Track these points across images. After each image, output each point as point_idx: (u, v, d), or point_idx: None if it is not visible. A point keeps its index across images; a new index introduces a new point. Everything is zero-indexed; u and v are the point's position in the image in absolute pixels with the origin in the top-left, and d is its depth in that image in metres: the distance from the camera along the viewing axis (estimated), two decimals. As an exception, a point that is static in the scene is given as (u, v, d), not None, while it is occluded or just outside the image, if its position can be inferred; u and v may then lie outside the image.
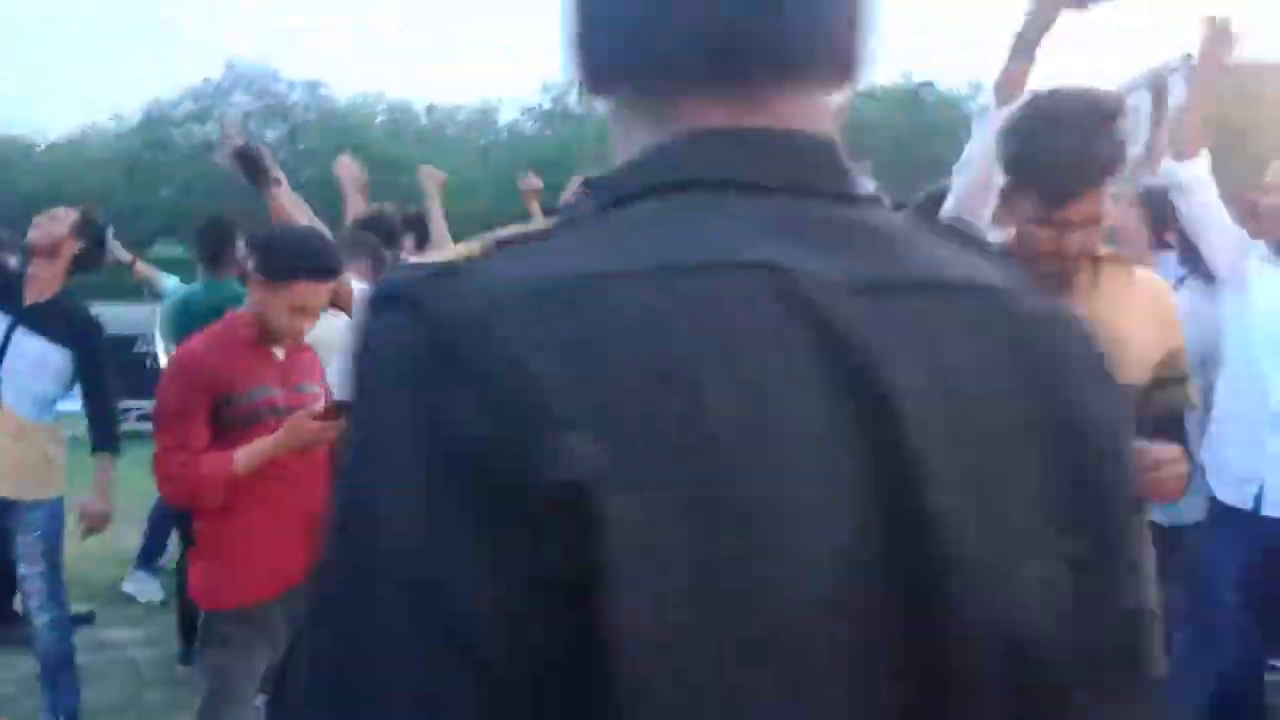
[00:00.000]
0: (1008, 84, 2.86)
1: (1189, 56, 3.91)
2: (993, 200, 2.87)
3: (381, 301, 0.75)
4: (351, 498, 0.74)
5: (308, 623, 0.75)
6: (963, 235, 0.93)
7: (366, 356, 0.75)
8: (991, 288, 0.87)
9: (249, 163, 4.02)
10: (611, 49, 0.87)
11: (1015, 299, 0.87)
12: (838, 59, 0.87)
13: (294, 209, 4.18)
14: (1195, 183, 3.61)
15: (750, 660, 0.70)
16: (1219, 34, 3.53)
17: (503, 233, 0.79)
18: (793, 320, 0.75)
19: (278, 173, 4.12)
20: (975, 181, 2.87)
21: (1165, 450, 2.27)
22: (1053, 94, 2.46)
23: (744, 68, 0.84)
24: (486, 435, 0.67)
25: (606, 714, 0.67)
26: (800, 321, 0.75)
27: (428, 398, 0.70)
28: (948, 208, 3.04)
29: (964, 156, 3.03)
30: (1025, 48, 2.84)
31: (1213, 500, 3.87)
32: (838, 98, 0.89)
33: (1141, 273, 2.73)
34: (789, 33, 0.84)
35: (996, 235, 2.52)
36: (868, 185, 0.87)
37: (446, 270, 0.75)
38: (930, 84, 37.35)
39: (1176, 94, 3.65)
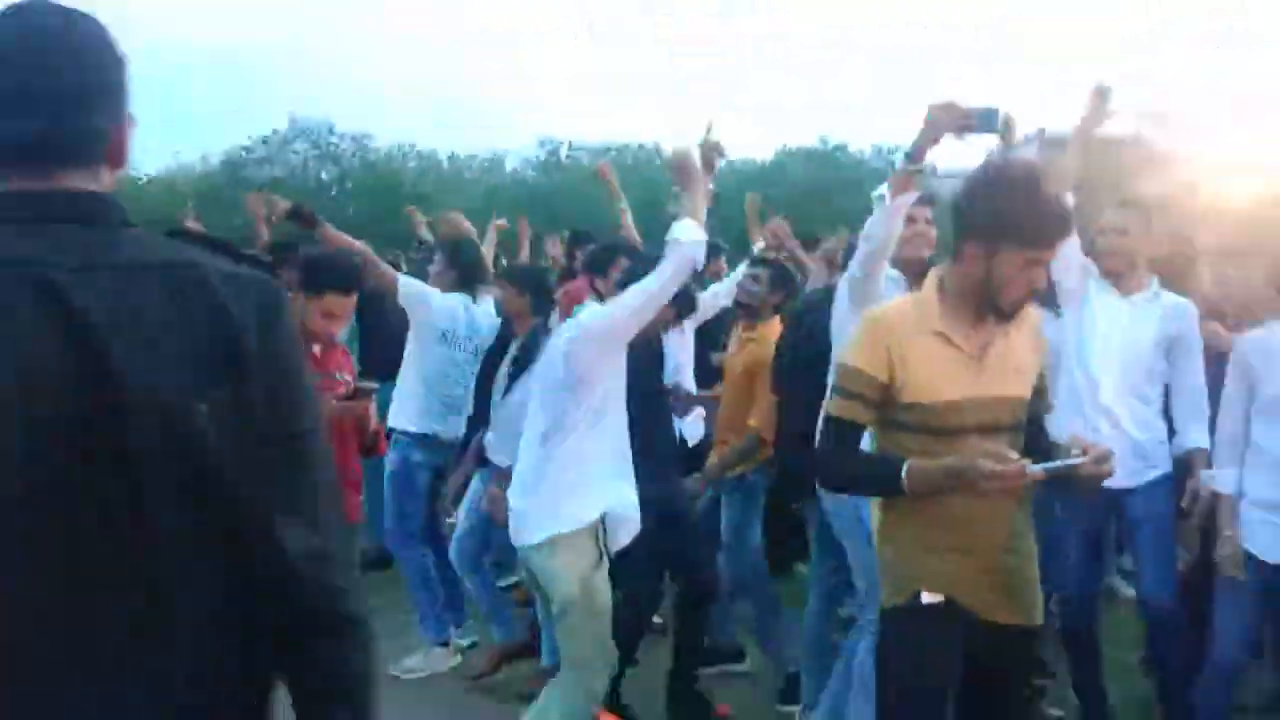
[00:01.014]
0: (901, 183, 3.32)
1: (1042, 130, 4.56)
2: (885, 259, 3.47)
3: None
4: None
5: None
6: (210, 241, 1.52)
7: None
8: (190, 264, 1.39)
9: (298, 218, 5.22)
10: None
11: (211, 271, 1.39)
12: (94, 153, 1.42)
13: (341, 237, 5.11)
14: None
15: None
16: (1100, 103, 4.04)
17: None
18: (25, 283, 1.29)
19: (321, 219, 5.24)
20: (876, 249, 3.41)
21: (1102, 449, 2.59)
22: (1011, 163, 2.81)
23: (30, 160, 1.38)
24: None
25: None
26: (31, 285, 1.29)
27: None
28: (856, 262, 3.54)
29: (866, 229, 3.48)
30: (917, 156, 3.26)
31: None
32: (109, 171, 1.44)
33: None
34: (54, 140, 1.39)
35: (941, 277, 2.75)
36: (118, 213, 1.42)
37: None
38: (843, 146, 43.69)
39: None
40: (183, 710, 1.37)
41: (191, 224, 4.72)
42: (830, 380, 2.83)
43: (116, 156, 1.45)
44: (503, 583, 5.70)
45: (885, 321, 2.72)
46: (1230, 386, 3.92)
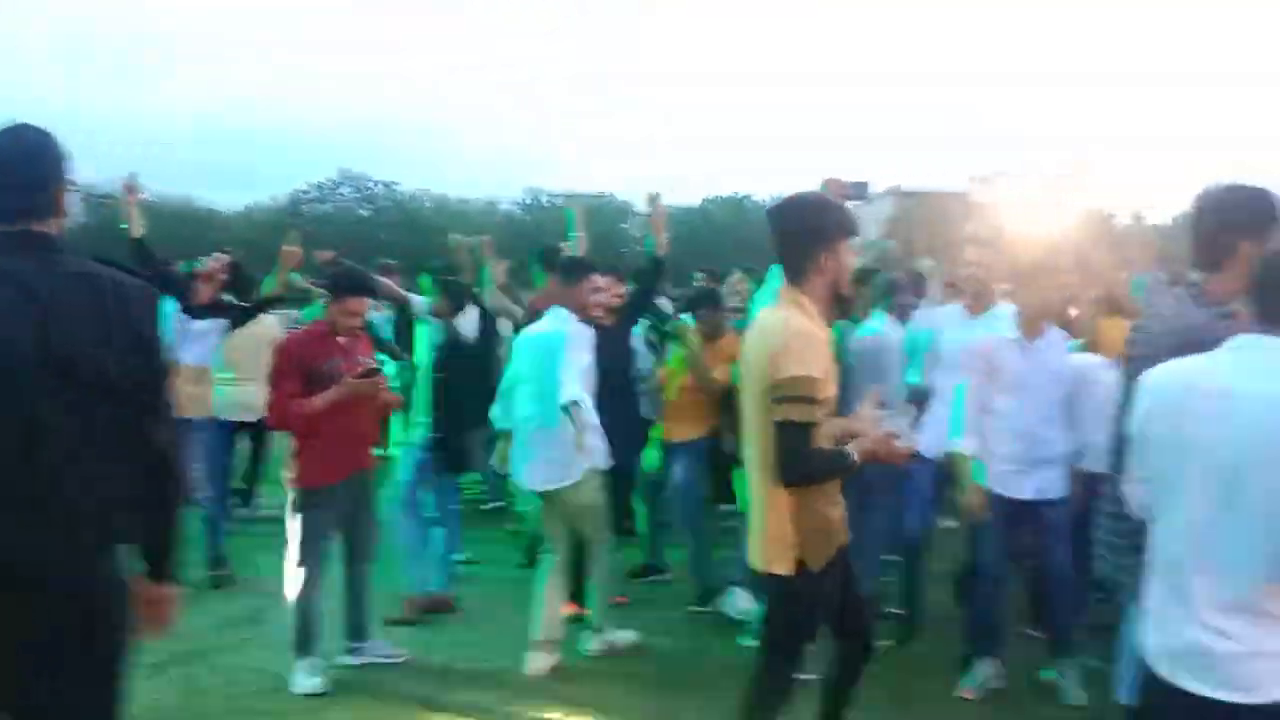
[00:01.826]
0: None
1: (898, 186, 5.53)
2: None
3: None
4: None
5: None
6: (113, 262, 2.32)
7: None
8: (99, 274, 2.14)
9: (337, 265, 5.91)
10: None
11: (109, 280, 2.14)
12: (48, 211, 2.19)
13: (381, 280, 5.80)
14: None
15: None
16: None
17: None
18: (9, 284, 2.02)
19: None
20: None
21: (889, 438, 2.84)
22: (809, 193, 3.24)
23: (13, 217, 2.13)
24: None
25: None
26: (14, 284, 2.02)
27: None
28: None
29: None
30: None
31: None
32: (56, 219, 2.19)
33: None
34: (27, 205, 2.17)
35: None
36: (60, 245, 2.21)
37: None
38: (749, 195, 53.21)
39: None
40: (99, 481, 2.18)
41: (288, 247, 5.92)
42: (784, 392, 2.73)
43: (59, 210, 2.18)
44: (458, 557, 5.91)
45: (812, 332, 2.78)
46: (975, 376, 4.42)
